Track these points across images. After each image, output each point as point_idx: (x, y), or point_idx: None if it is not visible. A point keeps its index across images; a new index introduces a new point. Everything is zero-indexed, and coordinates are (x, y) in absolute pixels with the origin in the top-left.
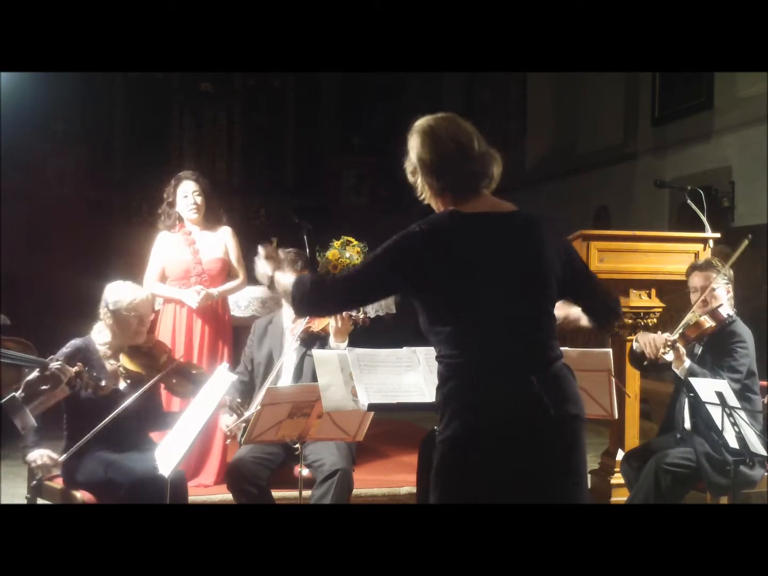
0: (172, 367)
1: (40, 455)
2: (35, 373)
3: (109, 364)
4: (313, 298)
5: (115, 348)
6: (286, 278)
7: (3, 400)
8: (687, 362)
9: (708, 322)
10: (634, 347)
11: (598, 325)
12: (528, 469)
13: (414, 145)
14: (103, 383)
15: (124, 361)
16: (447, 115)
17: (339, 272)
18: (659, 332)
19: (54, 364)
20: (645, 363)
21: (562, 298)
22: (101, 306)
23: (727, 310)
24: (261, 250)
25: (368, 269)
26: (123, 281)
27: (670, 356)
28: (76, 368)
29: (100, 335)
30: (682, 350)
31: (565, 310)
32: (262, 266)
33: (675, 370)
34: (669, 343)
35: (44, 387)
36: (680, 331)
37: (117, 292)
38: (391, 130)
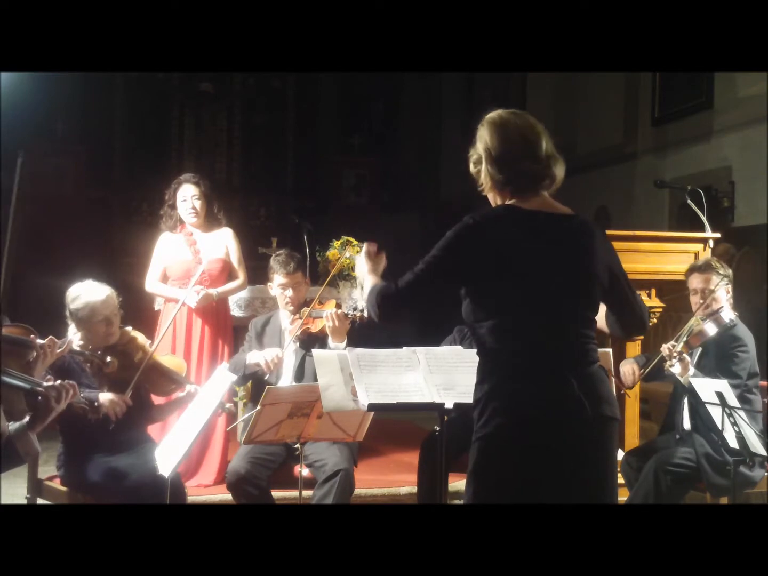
0: (146, 365)
1: (108, 399)
2: (36, 398)
3: (88, 367)
4: (390, 306)
5: (92, 351)
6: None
7: (11, 428)
8: (692, 371)
9: (712, 330)
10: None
11: (622, 333)
12: (565, 467)
13: (483, 135)
14: (96, 403)
15: (116, 365)
16: (519, 112)
17: (402, 278)
18: (634, 362)
19: (48, 384)
20: (622, 391)
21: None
22: (66, 312)
23: (728, 314)
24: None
25: (431, 267)
26: (81, 283)
27: (677, 368)
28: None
29: (75, 338)
30: (687, 359)
31: None
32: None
33: (679, 378)
34: (675, 354)
35: (45, 410)
36: (684, 339)
37: (75, 298)
38: (391, 130)
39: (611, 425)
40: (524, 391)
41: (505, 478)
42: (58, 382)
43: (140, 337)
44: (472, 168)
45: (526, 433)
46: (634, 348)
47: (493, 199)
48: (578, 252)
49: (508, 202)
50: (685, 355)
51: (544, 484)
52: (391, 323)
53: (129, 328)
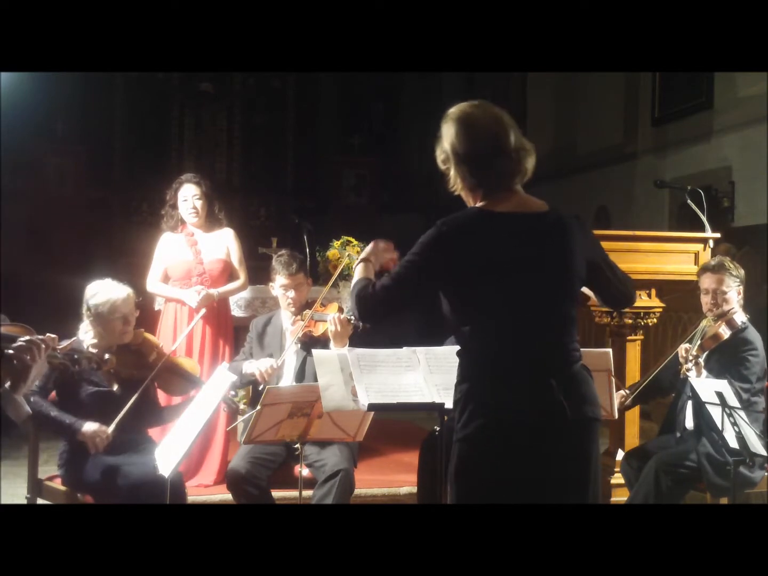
0: (163, 365)
1: (92, 429)
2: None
3: (99, 366)
4: (364, 309)
5: (103, 349)
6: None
7: None
8: (704, 374)
9: (726, 333)
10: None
11: (607, 306)
12: (545, 469)
13: (448, 133)
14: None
15: (114, 362)
16: (483, 103)
17: (379, 281)
18: (685, 347)
19: (16, 345)
20: (621, 400)
21: (586, 287)
22: (83, 308)
23: (740, 317)
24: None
25: (403, 276)
26: (101, 280)
27: (693, 373)
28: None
29: (87, 336)
30: (702, 364)
31: None
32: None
33: (691, 381)
34: (692, 358)
35: (22, 371)
36: (698, 342)
37: (96, 294)
38: (391, 130)
39: (592, 426)
40: (503, 393)
41: (485, 480)
42: (27, 338)
43: (153, 339)
44: (440, 166)
45: (504, 435)
46: (634, 348)
47: (466, 198)
48: (554, 250)
49: (480, 203)
50: (701, 360)
51: (524, 486)
52: (369, 322)
53: (142, 330)
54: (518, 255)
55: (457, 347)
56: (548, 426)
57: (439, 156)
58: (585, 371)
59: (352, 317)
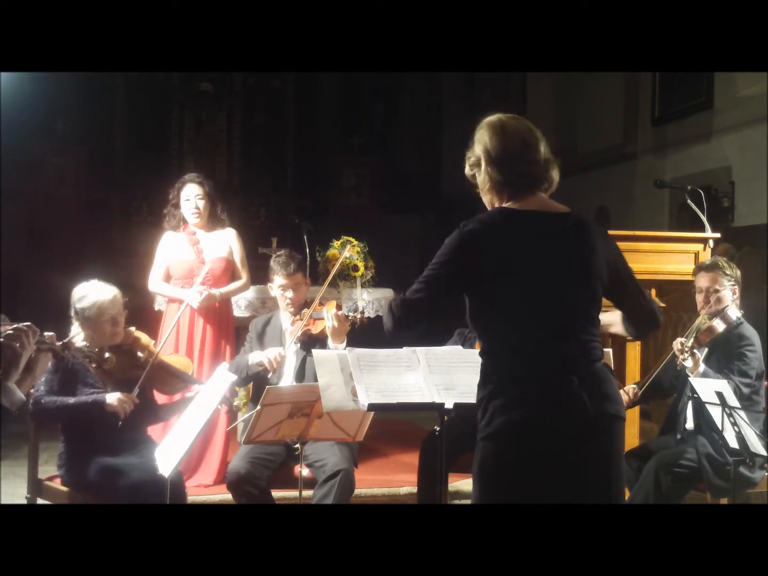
0: (154, 364)
1: (117, 396)
2: None
3: (92, 367)
4: (396, 315)
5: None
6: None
7: None
8: (702, 367)
9: (720, 326)
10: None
11: (636, 331)
12: (569, 466)
13: (482, 137)
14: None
15: (114, 361)
16: (517, 116)
17: (409, 289)
18: (678, 339)
19: (5, 333)
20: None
21: (605, 298)
22: (71, 311)
23: (735, 312)
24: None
25: (434, 275)
26: (87, 282)
27: (689, 362)
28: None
29: (78, 338)
30: (698, 356)
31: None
32: None
33: (689, 374)
34: (687, 349)
35: (13, 358)
36: (694, 335)
37: (82, 297)
38: (391, 130)
39: (616, 423)
40: (526, 390)
41: (509, 477)
42: (15, 326)
43: (144, 337)
44: (467, 171)
45: (528, 432)
46: (634, 348)
47: (490, 200)
48: (575, 249)
49: (504, 204)
50: (696, 351)
51: (548, 483)
52: (403, 331)
53: (132, 329)
54: (541, 252)
55: (458, 347)
56: (571, 422)
57: (469, 159)
58: (607, 370)
59: (349, 314)
